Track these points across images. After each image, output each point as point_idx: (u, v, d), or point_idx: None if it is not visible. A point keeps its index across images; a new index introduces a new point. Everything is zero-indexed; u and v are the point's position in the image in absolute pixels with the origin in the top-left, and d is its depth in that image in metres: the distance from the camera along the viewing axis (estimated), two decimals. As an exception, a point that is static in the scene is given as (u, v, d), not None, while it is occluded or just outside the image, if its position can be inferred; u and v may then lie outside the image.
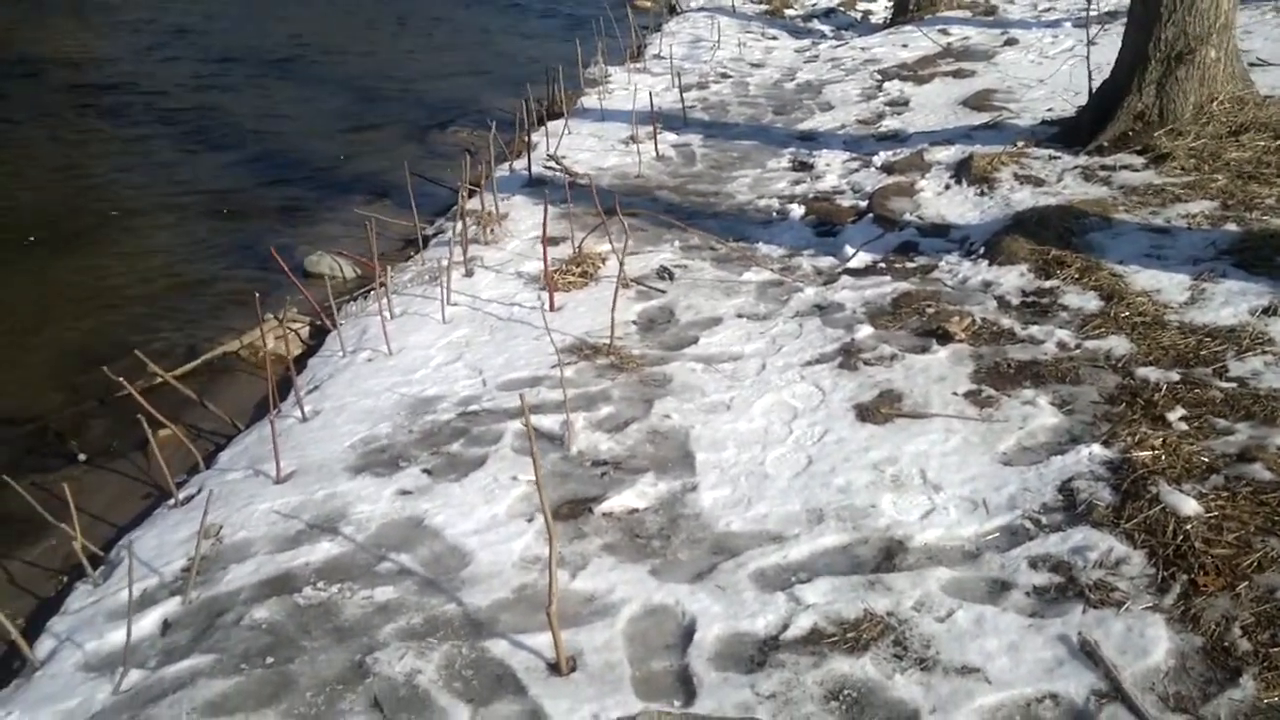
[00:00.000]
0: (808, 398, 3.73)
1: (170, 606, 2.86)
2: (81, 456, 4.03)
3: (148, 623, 2.79)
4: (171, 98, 9.12)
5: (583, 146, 7.41)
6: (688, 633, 2.63)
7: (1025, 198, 5.11)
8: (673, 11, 12.58)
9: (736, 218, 5.89)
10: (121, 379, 3.85)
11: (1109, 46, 6.29)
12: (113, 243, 6.11)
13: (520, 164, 7.02)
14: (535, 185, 6.63)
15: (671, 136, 7.53)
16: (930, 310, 4.22)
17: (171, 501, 3.51)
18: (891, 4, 11.44)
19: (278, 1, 13.76)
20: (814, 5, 12.50)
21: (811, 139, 7.29)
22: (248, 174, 7.40)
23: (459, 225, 5.56)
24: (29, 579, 3.31)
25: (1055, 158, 5.56)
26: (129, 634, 2.63)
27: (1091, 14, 7.06)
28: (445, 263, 5.10)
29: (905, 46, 9.43)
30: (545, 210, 4.98)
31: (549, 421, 3.67)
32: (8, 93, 8.86)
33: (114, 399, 4.35)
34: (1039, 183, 5.27)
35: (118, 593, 2.95)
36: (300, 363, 4.55)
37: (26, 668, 2.75)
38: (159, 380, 4.28)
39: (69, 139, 7.97)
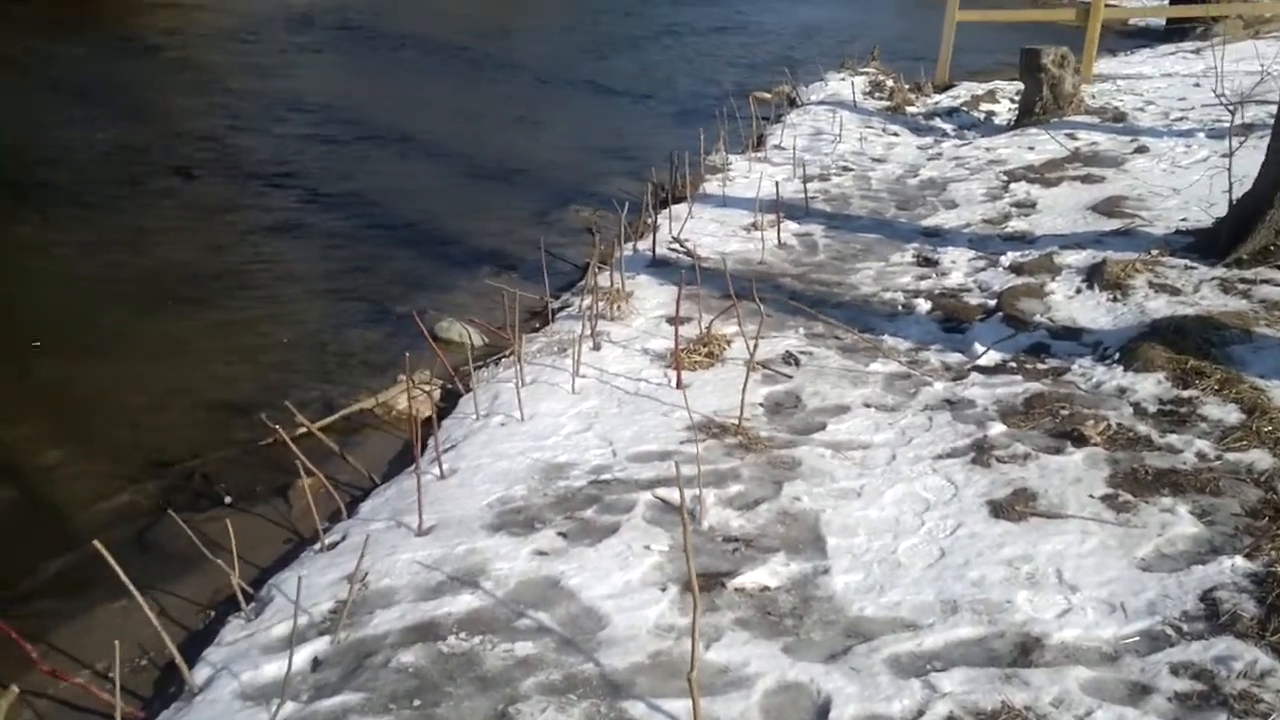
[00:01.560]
0: (939, 490, 3.75)
1: (320, 645, 2.98)
2: (228, 500, 4.21)
3: (299, 659, 2.91)
4: (295, 167, 9.44)
5: (705, 231, 7.55)
6: (823, 711, 2.66)
7: (1160, 306, 5.09)
8: (793, 104, 12.77)
9: (861, 309, 5.94)
10: (277, 427, 4.06)
11: (1246, 158, 6.25)
12: (247, 303, 6.36)
13: (644, 245, 7.18)
14: (659, 266, 6.78)
15: (794, 226, 7.64)
16: (1064, 412, 4.22)
17: (317, 546, 3.66)
18: (1016, 106, 11.48)
19: (390, 80, 14.29)
20: (936, 104, 12.58)
21: (936, 235, 7.34)
22: (373, 242, 7.65)
23: (587, 300, 5.72)
24: (179, 611, 3.46)
25: (1191, 268, 5.53)
26: (290, 666, 2.75)
27: (1229, 106, 7.00)
28: (574, 335, 5.26)
29: (1031, 149, 9.46)
30: (680, 289, 5.12)
31: (679, 495, 3.74)
32: (137, 164, 9.31)
33: (256, 447, 4.56)
34: (1175, 292, 5.25)
35: (269, 628, 3.08)
36: (433, 423, 4.70)
37: (185, 693, 2.89)
38: (300, 431, 4.46)
39: (198, 205, 8.29)
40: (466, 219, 8.38)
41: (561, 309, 6.26)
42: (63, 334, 5.76)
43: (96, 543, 2.79)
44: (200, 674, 2.95)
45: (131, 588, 2.83)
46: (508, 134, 11.68)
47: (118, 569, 2.79)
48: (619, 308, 5.94)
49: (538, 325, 6.03)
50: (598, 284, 5.92)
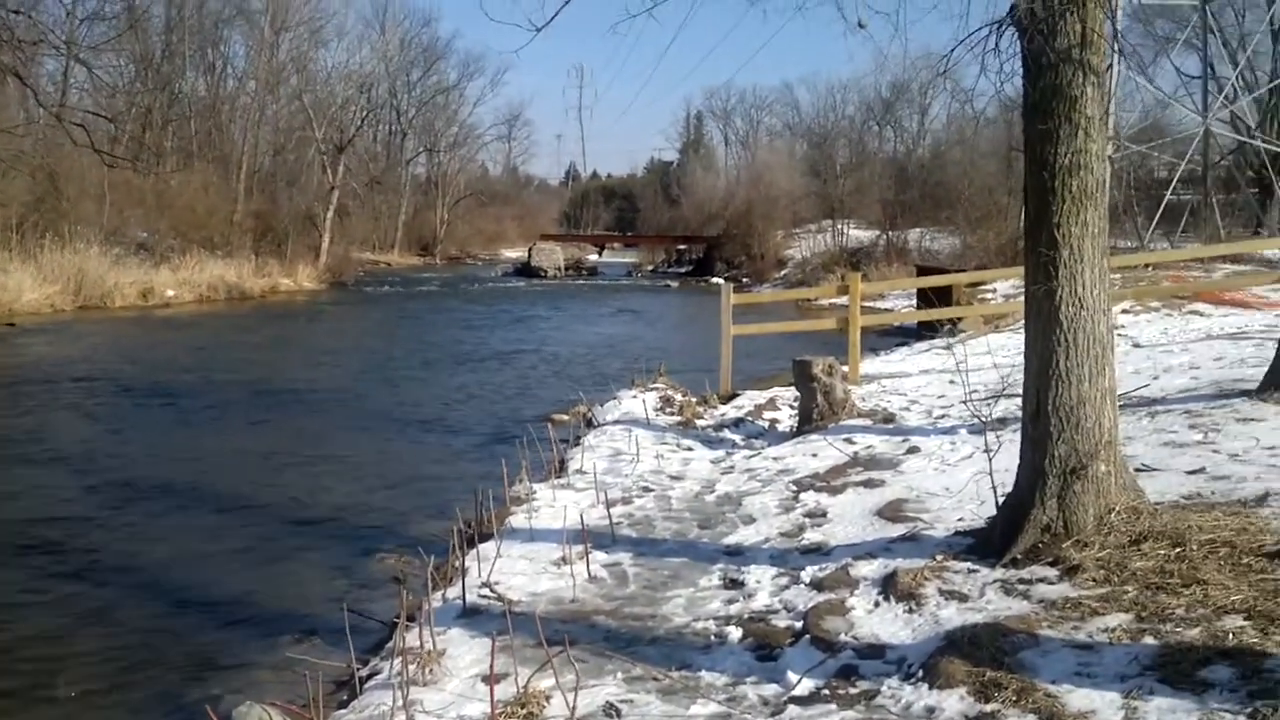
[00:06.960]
0: (771, 847, 3.68)
1: None
2: None
3: None
4: (63, 536, 8.92)
5: (515, 570, 7.51)
6: None
7: (953, 614, 5.33)
8: (590, 425, 13.16)
9: (675, 643, 5.96)
10: None
11: (1006, 454, 6.78)
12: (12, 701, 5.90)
13: (454, 592, 7.06)
14: (471, 615, 6.65)
15: (602, 556, 7.69)
16: (880, 741, 4.28)
17: None
18: (796, 412, 12.17)
19: (167, 433, 13.99)
20: (723, 415, 13.19)
21: (738, 554, 7.52)
22: (157, 618, 7.26)
23: (396, 665, 5.53)
24: None
25: (974, 571, 5.85)
26: None
27: (983, 422, 7.60)
28: (383, 709, 5.04)
29: (815, 456, 9.98)
30: (494, 643, 5.03)
31: None
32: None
33: None
34: (963, 598, 5.52)
35: None
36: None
37: None
38: None
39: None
40: (261, 579, 8.07)
41: (370, 676, 6.01)
42: None
43: None
44: None
45: None
46: (299, 478, 11.47)
47: None
48: (430, 670, 5.75)
49: (345, 698, 5.76)
50: (406, 645, 5.75)
